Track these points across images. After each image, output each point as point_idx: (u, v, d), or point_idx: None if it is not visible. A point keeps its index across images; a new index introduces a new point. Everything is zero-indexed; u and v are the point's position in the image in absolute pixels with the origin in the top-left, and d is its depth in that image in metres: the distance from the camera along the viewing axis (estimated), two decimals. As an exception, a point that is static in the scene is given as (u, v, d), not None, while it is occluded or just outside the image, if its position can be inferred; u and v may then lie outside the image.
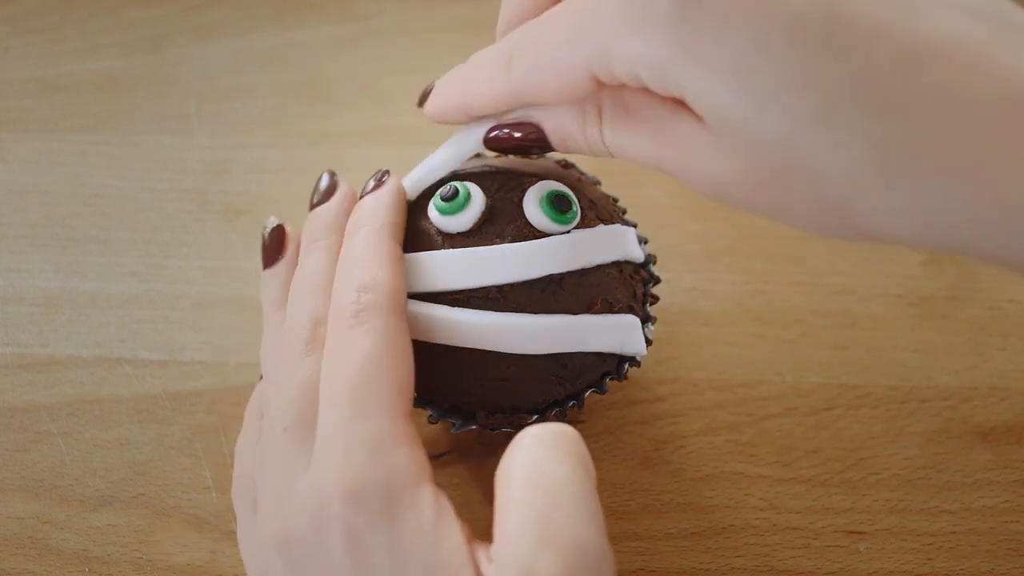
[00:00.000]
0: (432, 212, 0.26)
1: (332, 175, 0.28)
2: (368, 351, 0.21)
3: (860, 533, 0.29)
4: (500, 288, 0.25)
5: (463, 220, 0.25)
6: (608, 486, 0.30)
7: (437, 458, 0.30)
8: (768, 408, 0.32)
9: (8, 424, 0.32)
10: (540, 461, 0.19)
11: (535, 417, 0.27)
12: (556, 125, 0.23)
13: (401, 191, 0.26)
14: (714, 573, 0.28)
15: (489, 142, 0.25)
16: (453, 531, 0.19)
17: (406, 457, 0.20)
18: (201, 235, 0.37)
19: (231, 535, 0.29)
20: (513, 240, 0.25)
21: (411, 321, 0.25)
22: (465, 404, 0.26)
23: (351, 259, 0.24)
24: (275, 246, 0.27)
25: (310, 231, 0.26)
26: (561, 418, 0.27)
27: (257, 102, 0.42)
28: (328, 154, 0.40)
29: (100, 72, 0.43)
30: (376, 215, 0.25)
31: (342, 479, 0.19)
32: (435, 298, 0.25)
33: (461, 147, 0.26)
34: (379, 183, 0.26)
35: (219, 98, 0.42)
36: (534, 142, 0.24)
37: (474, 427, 0.27)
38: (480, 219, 0.25)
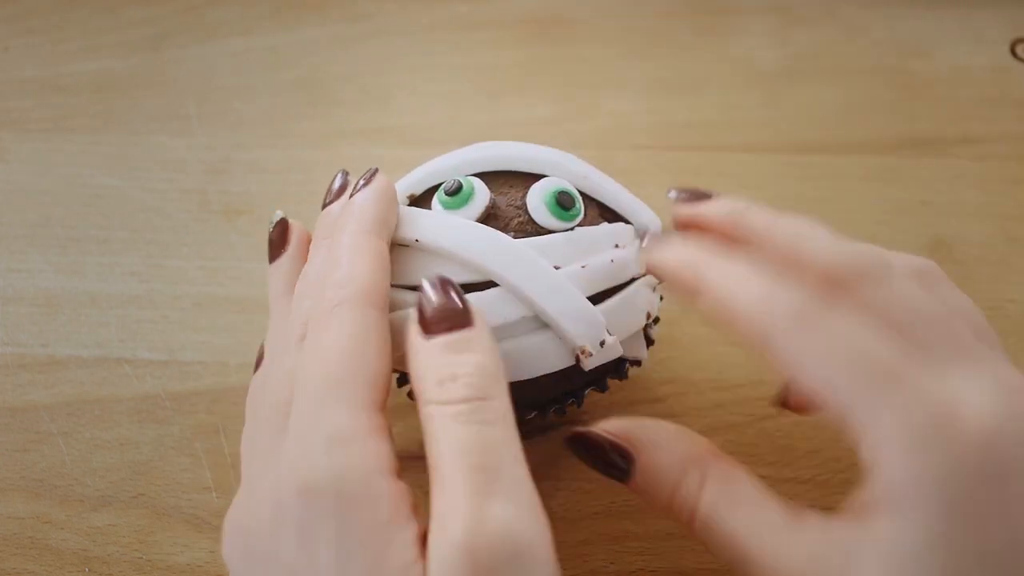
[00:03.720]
0: (435, 206, 0.26)
1: (345, 175, 0.27)
2: (338, 344, 0.21)
3: (860, 533, 0.29)
4: None
5: (466, 215, 0.25)
6: (608, 486, 0.30)
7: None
8: (768, 408, 0.32)
9: (8, 424, 0.32)
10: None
11: (534, 413, 0.27)
12: (648, 462, 0.22)
13: (390, 187, 0.26)
14: (714, 573, 0.28)
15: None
16: (406, 529, 0.18)
17: (366, 450, 0.19)
18: (201, 235, 0.37)
19: (231, 535, 0.29)
20: (516, 236, 0.25)
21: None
22: None
23: (335, 257, 0.23)
24: (279, 239, 0.27)
25: (317, 230, 0.26)
26: (560, 415, 0.27)
27: (257, 102, 0.42)
28: (328, 154, 0.40)
29: (100, 72, 0.43)
30: (363, 212, 0.24)
31: (298, 472, 0.19)
32: None
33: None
34: (368, 180, 0.26)
35: (219, 98, 0.42)
36: (610, 457, 0.23)
37: None
38: (483, 214, 0.25)
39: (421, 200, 0.27)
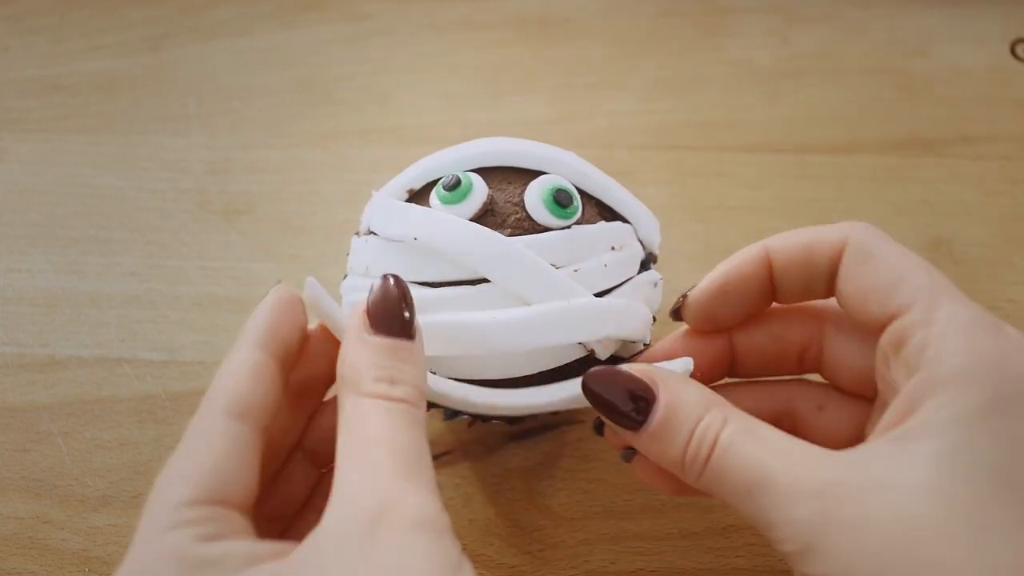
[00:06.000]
0: (434, 201, 0.26)
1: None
2: (177, 451, 0.22)
3: (860, 533, 0.29)
4: None
5: (464, 210, 0.25)
6: (608, 486, 0.30)
7: (437, 458, 0.30)
8: (768, 408, 0.32)
9: (8, 424, 0.32)
10: None
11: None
12: (673, 399, 0.22)
13: (283, 299, 0.25)
14: (714, 573, 0.28)
15: (591, 378, 0.23)
16: None
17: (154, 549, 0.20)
18: (201, 235, 0.37)
19: (231, 535, 0.29)
20: (512, 233, 0.25)
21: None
22: None
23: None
24: None
25: None
26: (553, 414, 0.27)
27: (257, 102, 0.42)
28: (328, 154, 0.40)
29: (100, 72, 0.43)
30: (248, 327, 0.25)
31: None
32: (432, 288, 0.25)
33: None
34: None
35: (219, 98, 0.42)
36: (626, 409, 0.23)
37: (465, 416, 0.27)
38: (481, 210, 0.25)
39: (420, 195, 0.27)
